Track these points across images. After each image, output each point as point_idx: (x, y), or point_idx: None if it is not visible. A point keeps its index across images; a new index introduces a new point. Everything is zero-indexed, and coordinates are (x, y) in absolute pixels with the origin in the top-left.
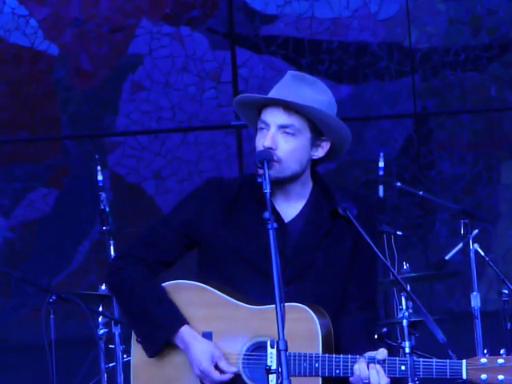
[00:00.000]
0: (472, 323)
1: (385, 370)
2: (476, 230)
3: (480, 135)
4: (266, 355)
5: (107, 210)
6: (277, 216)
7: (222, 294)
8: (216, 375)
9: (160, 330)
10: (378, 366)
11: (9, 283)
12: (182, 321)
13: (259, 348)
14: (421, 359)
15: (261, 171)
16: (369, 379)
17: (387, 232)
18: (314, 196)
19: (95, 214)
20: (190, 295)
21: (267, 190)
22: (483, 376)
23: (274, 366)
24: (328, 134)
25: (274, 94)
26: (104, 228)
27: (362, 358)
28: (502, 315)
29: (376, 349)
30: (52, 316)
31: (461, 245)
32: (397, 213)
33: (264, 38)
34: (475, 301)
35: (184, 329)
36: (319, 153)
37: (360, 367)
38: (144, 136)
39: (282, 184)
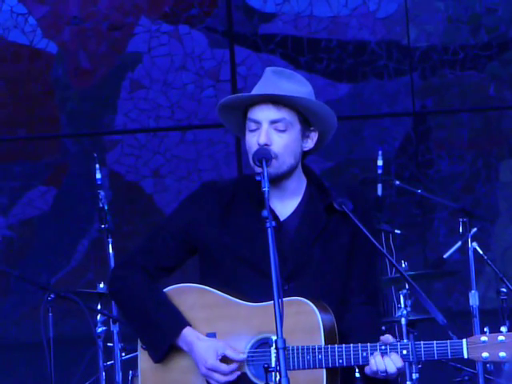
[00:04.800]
0: (470, 322)
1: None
2: (474, 229)
3: (479, 134)
4: (270, 351)
5: (106, 208)
6: (272, 214)
7: (223, 293)
8: (224, 367)
9: (162, 335)
10: (393, 355)
11: (7, 281)
12: (184, 323)
13: (263, 345)
14: (421, 342)
15: (259, 169)
16: (386, 370)
17: (386, 230)
18: (309, 192)
19: (94, 212)
20: (192, 298)
21: (266, 189)
22: (484, 354)
23: (273, 364)
24: (315, 123)
25: (258, 91)
26: (102, 226)
27: (377, 352)
28: (501, 314)
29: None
30: (50, 314)
31: (459, 243)
32: (395, 211)
33: (263, 37)
34: (473, 299)
35: (186, 330)
36: (309, 144)
37: (376, 361)
38: (142, 134)
39: (278, 181)
